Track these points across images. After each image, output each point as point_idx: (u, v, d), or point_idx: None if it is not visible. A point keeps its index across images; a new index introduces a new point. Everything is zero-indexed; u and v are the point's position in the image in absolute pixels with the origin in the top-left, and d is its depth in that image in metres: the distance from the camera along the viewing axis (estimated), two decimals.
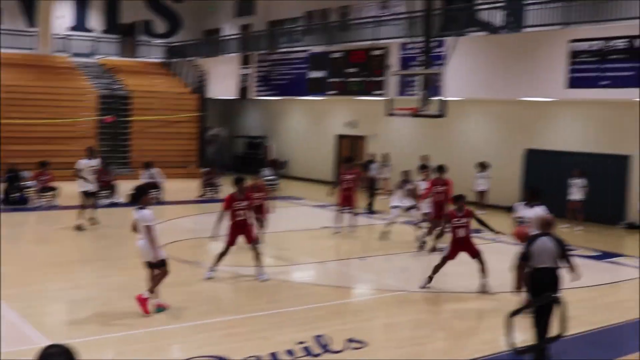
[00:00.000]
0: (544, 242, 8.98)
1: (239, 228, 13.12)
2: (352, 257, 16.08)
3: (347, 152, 31.09)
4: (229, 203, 13.08)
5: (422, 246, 16.18)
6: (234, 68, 32.95)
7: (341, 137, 31.71)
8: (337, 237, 18.21)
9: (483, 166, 22.81)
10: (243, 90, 32.38)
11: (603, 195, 21.75)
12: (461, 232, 12.60)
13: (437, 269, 12.73)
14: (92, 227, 18.43)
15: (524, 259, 8.98)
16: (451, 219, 12.71)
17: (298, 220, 21.04)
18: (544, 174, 23.16)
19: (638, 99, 19.17)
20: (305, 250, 16.64)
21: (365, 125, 30.11)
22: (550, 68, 20.06)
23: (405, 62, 24.16)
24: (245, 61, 32.21)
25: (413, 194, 17.05)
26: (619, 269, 15.94)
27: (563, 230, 20.36)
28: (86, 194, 18.50)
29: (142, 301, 10.63)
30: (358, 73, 26.02)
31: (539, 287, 8.91)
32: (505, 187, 23.58)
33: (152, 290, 10.78)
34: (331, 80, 27.24)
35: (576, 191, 20.77)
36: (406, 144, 28.05)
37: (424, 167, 18.20)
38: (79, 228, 17.98)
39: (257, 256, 13.14)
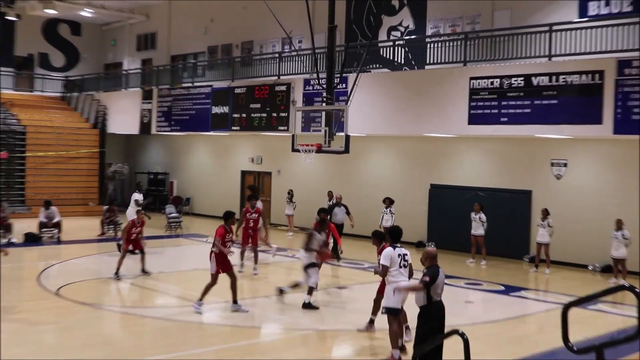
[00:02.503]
0: (442, 275, 9.29)
1: (226, 259, 13.82)
2: (259, 296, 15.81)
3: (251, 188, 30.89)
4: (222, 236, 13.83)
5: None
6: (136, 103, 32.37)
7: (246, 173, 31.50)
8: (242, 275, 17.91)
9: (389, 202, 22.97)
10: (145, 126, 31.80)
11: (507, 230, 22.22)
12: None
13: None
14: None
15: (428, 285, 9.14)
16: None
17: (202, 258, 20.59)
18: (449, 209, 23.54)
19: (536, 136, 19.78)
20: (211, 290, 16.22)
21: (270, 161, 30.01)
22: (453, 105, 20.45)
23: (309, 98, 24.23)
24: (147, 96, 31.69)
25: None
26: (524, 303, 16.21)
27: (469, 265, 20.69)
28: None
29: None
30: (262, 108, 25.93)
31: (437, 322, 9.01)
32: (412, 223, 23.82)
33: None
34: (235, 115, 27.05)
35: (477, 226, 21.16)
36: (311, 180, 28.06)
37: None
38: None
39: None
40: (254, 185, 22.73)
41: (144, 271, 17.26)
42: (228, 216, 14.32)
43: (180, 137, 33.64)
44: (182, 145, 34.60)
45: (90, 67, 39.33)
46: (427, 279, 9.14)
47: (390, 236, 11.16)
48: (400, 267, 10.56)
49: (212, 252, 13.89)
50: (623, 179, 19.98)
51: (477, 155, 23.55)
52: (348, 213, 22.14)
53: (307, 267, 14.44)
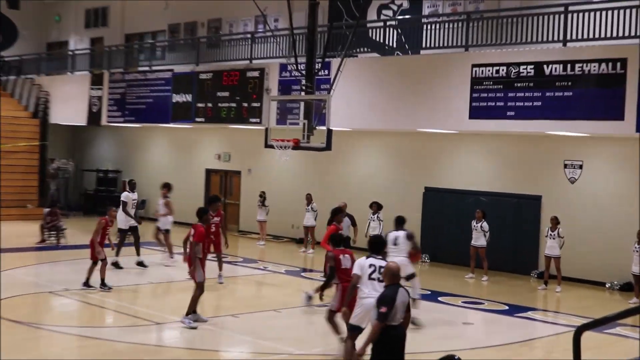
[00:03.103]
0: (403, 295, 9.28)
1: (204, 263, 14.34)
2: (223, 315, 15.83)
3: (217, 189, 30.86)
4: (203, 237, 14.24)
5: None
6: (83, 89, 32.20)
7: (211, 172, 31.45)
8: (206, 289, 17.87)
9: (376, 207, 23.02)
10: (94, 116, 31.65)
11: (512, 241, 22.34)
12: None
13: None
14: None
15: (386, 315, 9.05)
16: None
17: (159, 271, 20.57)
18: (446, 216, 23.60)
19: (547, 133, 19.90)
20: (169, 307, 16.22)
21: (240, 159, 29.98)
22: (452, 96, 20.52)
23: (286, 86, 24.23)
24: (97, 81, 31.55)
25: None
26: (531, 325, 16.31)
27: (468, 280, 20.79)
28: None
29: None
30: (231, 97, 25.89)
31: (392, 354, 9.04)
32: None
33: None
34: (199, 105, 26.99)
35: (478, 236, 21.24)
36: (287, 180, 28.07)
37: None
38: None
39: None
40: (215, 195, 22.65)
41: (104, 284, 17.04)
42: (205, 211, 14.98)
43: (135, 129, 33.51)
44: (138, 139, 34.49)
45: (30, 46, 38.98)
46: (383, 310, 9.01)
47: (370, 246, 11.26)
48: (372, 279, 10.69)
49: (195, 257, 14.15)
50: None
51: (479, 154, 23.66)
52: (354, 224, 22.08)
53: (408, 278, 14.71)
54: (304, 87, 20.11)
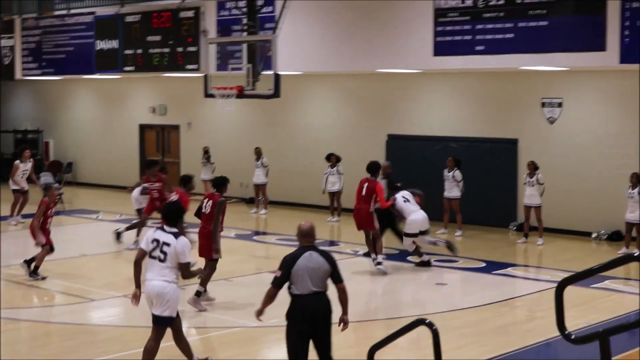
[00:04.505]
0: (310, 259, 9.02)
1: None
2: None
3: (152, 147, 30.75)
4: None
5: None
6: None
7: (146, 128, 31.32)
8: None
9: (335, 159, 23.12)
10: (6, 69, 31.25)
11: (487, 191, 22.50)
12: None
13: None
14: None
15: (278, 285, 9.05)
16: None
17: (92, 241, 20.52)
18: (412, 166, 23.69)
19: (521, 68, 20.03)
20: (104, 281, 16.23)
21: (177, 111, 29.85)
22: (414, 31, 20.49)
23: (226, 27, 24.08)
24: (7, 28, 31.10)
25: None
26: (511, 282, 16.61)
27: (441, 236, 20.98)
28: None
29: None
30: (163, 42, 25.67)
31: (299, 325, 9.02)
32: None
33: None
34: (127, 52, 26.75)
35: (451, 186, 21.43)
36: (232, 134, 28.02)
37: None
38: None
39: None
40: (153, 159, 22.46)
41: (36, 273, 16.55)
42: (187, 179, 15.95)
43: (55, 82, 33.13)
44: (59, 94, 34.13)
45: None
46: (276, 273, 9.01)
47: (163, 215, 10.62)
48: (153, 257, 10.02)
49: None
50: (635, 122, 20.30)
51: (446, 95, 23.77)
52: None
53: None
54: (245, 27, 20.06)
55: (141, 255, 10.13)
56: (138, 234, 18.82)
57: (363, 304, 14.73)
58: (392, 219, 17.75)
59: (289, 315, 9.07)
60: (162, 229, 10.10)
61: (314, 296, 8.95)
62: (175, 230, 10.07)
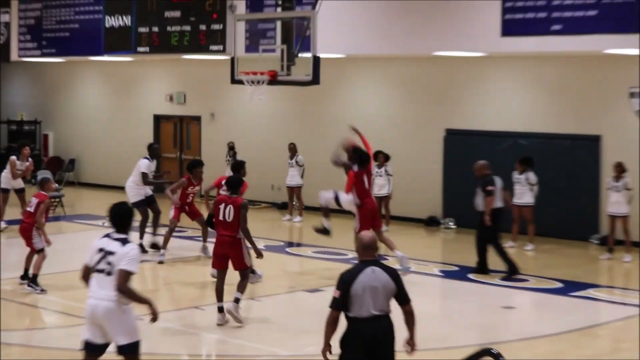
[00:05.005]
0: (373, 276, 8.83)
1: None
2: (190, 306, 15.85)
3: (169, 141, 30.80)
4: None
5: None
6: None
7: (162, 119, 31.35)
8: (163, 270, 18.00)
9: (383, 158, 22.99)
10: (1, 49, 31.48)
11: (564, 197, 22.34)
12: None
13: None
14: None
15: (339, 307, 8.82)
16: None
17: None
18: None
19: (605, 52, 19.84)
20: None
21: (198, 100, 29.89)
22: (478, 7, 20.44)
23: (257, 1, 24.08)
24: (2, 3, 31.33)
25: None
26: (593, 307, 16.41)
27: (509, 250, 20.76)
28: None
29: None
30: (184, 18, 25.70)
31: (357, 352, 8.78)
32: (420, 189, 23.85)
33: None
34: (142, 30, 26.82)
35: (523, 191, 21.21)
36: (263, 127, 27.99)
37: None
38: None
39: None
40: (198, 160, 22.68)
41: (35, 282, 16.41)
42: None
43: (57, 65, 33.40)
44: (61, 79, 34.38)
45: None
46: (335, 294, 8.81)
47: (110, 218, 9.82)
48: (98, 270, 9.50)
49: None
50: None
51: (516, 83, 23.66)
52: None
53: None
54: (280, 1, 20.02)
55: (85, 272, 9.60)
56: (165, 245, 19.09)
57: (418, 328, 14.54)
58: (495, 235, 17.74)
59: (344, 343, 8.85)
60: (108, 235, 9.60)
61: (375, 320, 8.79)
62: (123, 236, 9.56)
